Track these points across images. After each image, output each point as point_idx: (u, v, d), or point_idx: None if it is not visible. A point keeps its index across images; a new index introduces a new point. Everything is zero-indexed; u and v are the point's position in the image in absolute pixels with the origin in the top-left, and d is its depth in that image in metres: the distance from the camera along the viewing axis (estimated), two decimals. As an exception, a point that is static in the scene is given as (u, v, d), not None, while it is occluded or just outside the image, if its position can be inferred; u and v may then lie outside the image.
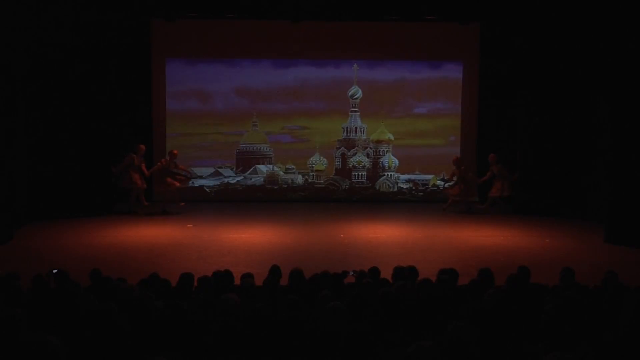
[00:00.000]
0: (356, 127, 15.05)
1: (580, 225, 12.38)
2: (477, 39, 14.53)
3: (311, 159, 15.00)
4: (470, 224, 12.49)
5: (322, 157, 15.03)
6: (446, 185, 13.77)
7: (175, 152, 13.26)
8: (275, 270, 6.77)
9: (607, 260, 9.34)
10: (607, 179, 11.14)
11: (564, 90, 12.87)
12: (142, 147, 13.23)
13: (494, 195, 13.33)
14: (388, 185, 14.98)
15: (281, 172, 14.94)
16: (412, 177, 14.73)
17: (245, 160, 14.96)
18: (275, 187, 14.87)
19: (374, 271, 6.84)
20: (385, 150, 15.06)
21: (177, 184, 13.20)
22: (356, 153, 15.01)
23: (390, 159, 15.01)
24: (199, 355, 3.88)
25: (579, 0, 12.30)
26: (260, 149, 14.89)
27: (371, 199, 14.67)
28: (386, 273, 6.69)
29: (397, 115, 14.99)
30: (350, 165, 15.03)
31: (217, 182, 14.56)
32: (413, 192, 14.42)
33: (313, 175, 15.04)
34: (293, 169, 14.94)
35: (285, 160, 14.97)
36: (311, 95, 14.86)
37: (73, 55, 12.54)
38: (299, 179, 14.96)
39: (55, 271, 6.33)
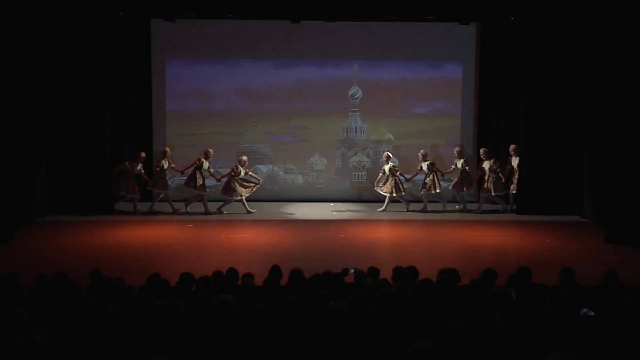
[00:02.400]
0: (356, 127, 15.03)
1: (580, 225, 12.39)
2: (477, 39, 14.54)
3: (311, 159, 14.99)
4: (471, 224, 12.49)
5: (322, 157, 15.02)
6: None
7: (245, 158, 13.22)
8: (275, 270, 6.77)
9: (607, 260, 9.34)
10: (608, 179, 11.13)
11: (564, 90, 12.86)
12: (210, 151, 13.22)
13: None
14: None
15: (281, 172, 14.93)
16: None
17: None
18: (276, 187, 14.86)
19: (373, 271, 6.84)
20: (386, 150, 15.04)
21: (243, 194, 13.09)
22: (356, 153, 15.00)
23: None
24: (197, 356, 3.88)
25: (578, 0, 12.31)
26: (260, 149, 14.87)
27: (371, 199, 14.64)
28: (386, 273, 6.69)
29: (397, 115, 14.97)
30: (350, 165, 15.03)
31: (218, 182, 14.52)
32: (413, 192, 14.38)
33: (313, 175, 15.03)
34: (293, 169, 14.93)
35: (285, 160, 14.96)
36: (311, 95, 14.84)
37: (73, 55, 12.54)
38: (299, 179, 14.95)
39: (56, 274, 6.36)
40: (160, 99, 14.61)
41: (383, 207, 13.58)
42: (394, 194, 13.45)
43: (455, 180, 13.66)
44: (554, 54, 12.78)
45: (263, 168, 14.93)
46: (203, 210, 13.13)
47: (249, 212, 13.11)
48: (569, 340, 3.86)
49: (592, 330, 4.12)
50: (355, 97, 14.89)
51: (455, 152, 13.75)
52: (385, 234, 11.65)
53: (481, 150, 13.66)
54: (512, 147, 13.49)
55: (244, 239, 10.98)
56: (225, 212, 13.07)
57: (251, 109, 14.83)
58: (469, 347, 3.38)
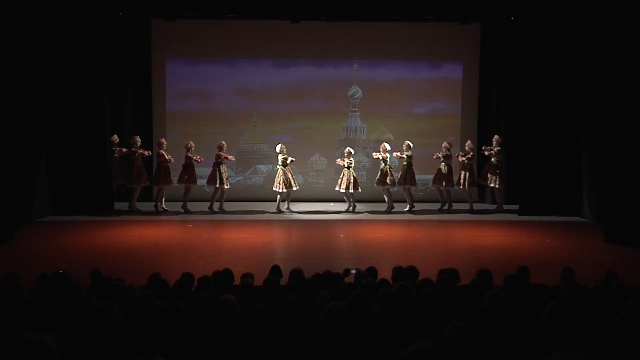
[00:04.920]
0: (356, 127, 15.04)
1: (580, 225, 12.39)
2: (477, 39, 14.54)
3: (311, 158, 14.99)
4: (470, 224, 12.49)
5: (322, 157, 15.01)
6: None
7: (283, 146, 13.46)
8: (275, 270, 6.77)
9: (607, 260, 9.34)
10: (607, 179, 11.13)
11: (564, 89, 12.86)
12: (222, 143, 13.43)
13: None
14: (388, 185, 14.93)
15: (281, 172, 14.92)
16: (412, 177, 14.65)
17: (245, 160, 14.94)
18: (276, 187, 14.84)
19: (371, 271, 6.84)
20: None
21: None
22: (356, 153, 14.98)
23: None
24: (198, 356, 3.88)
25: (578, 0, 12.31)
26: (260, 149, 14.87)
27: (371, 199, 14.63)
28: (386, 273, 6.69)
29: (397, 115, 14.97)
30: (350, 165, 15.02)
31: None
32: (413, 192, 14.38)
33: (313, 175, 15.02)
34: (293, 168, 14.89)
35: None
36: (311, 95, 14.85)
37: (73, 54, 12.54)
38: (299, 179, 14.92)
39: (61, 272, 6.34)
40: (160, 99, 14.62)
41: (349, 207, 13.41)
42: (351, 190, 13.22)
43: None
44: (553, 54, 12.77)
45: (263, 168, 14.94)
46: (211, 205, 13.18)
47: (280, 210, 13.26)
48: (569, 340, 3.86)
49: (592, 330, 4.12)
50: (355, 97, 14.90)
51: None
52: (385, 234, 11.64)
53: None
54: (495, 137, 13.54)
55: (244, 239, 10.98)
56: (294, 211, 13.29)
57: (251, 109, 14.84)
58: (469, 347, 3.38)
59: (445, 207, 13.66)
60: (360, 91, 14.88)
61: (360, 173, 14.92)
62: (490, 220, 12.79)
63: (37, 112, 12.24)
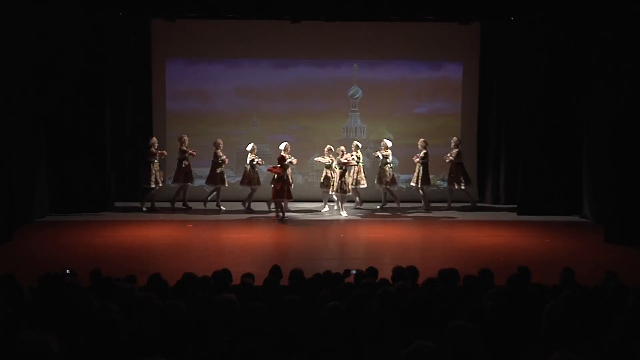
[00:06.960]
0: (356, 127, 15.03)
1: (580, 225, 12.39)
2: (477, 39, 14.54)
3: (311, 159, 14.96)
4: (470, 224, 12.49)
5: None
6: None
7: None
8: (275, 270, 6.77)
9: (607, 260, 9.34)
10: (608, 179, 11.14)
11: (564, 89, 12.86)
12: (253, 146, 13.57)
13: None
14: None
15: (281, 172, 14.91)
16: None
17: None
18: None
19: (372, 271, 6.84)
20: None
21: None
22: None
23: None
24: (198, 356, 3.88)
25: (579, 0, 12.31)
26: (260, 149, 14.84)
27: (371, 199, 14.62)
28: (386, 273, 6.69)
29: (397, 115, 14.97)
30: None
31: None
32: (413, 192, 14.37)
33: (313, 175, 15.01)
34: (293, 168, 14.90)
35: (285, 160, 14.93)
36: (311, 95, 14.84)
37: (73, 54, 12.54)
38: (299, 179, 14.92)
39: (68, 271, 6.33)
40: (160, 99, 14.61)
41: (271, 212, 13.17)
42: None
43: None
44: (553, 53, 12.77)
45: (263, 168, 14.90)
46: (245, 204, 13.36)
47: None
48: (569, 340, 3.86)
49: (592, 330, 4.12)
50: (355, 97, 14.89)
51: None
52: (385, 234, 11.64)
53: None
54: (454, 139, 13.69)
55: (244, 239, 10.98)
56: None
57: (251, 109, 14.83)
58: (469, 347, 3.38)
59: (379, 206, 13.80)
60: (360, 91, 14.88)
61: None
62: (490, 220, 12.80)
63: (37, 111, 12.24)
